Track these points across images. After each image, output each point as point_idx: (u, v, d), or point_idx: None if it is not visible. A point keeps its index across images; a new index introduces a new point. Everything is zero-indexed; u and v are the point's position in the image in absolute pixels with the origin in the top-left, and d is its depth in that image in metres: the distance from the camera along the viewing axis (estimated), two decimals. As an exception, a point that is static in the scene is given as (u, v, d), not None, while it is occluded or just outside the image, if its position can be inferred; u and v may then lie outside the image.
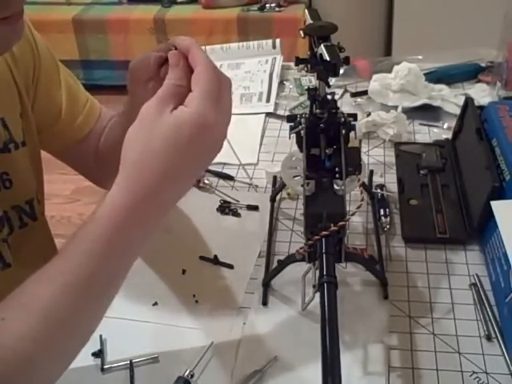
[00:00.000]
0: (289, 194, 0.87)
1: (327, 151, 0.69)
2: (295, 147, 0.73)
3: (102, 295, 0.51)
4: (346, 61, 0.64)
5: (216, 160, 0.97)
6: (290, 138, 0.71)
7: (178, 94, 0.51)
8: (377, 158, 0.95)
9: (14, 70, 0.68)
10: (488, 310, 0.67)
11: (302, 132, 0.69)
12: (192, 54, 0.54)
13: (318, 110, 0.69)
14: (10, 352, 0.46)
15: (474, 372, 0.61)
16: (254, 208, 0.86)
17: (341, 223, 0.61)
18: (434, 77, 1.13)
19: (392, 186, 0.87)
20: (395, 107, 1.04)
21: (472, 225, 0.77)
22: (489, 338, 0.64)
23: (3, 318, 0.47)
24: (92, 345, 0.66)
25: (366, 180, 0.85)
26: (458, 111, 0.94)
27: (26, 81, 0.71)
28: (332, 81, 1.11)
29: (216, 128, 0.51)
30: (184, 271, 0.76)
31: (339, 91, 1.14)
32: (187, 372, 0.62)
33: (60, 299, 0.48)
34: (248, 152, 0.98)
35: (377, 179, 0.90)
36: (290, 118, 0.71)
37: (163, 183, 0.50)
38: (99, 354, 0.65)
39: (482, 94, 1.08)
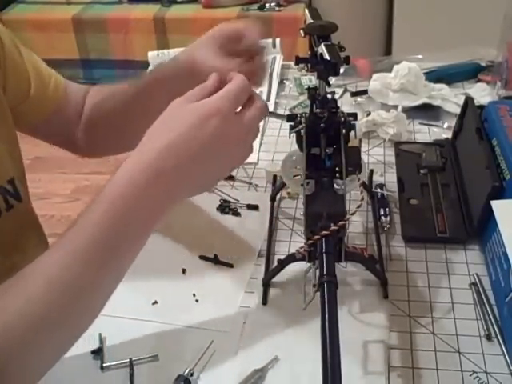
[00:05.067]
0: (289, 193, 0.87)
1: (327, 151, 0.69)
2: (295, 146, 0.73)
3: (103, 265, 0.51)
4: (347, 60, 0.64)
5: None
6: (290, 137, 0.71)
7: (204, 94, 0.55)
8: (377, 158, 0.95)
9: None
10: (488, 309, 0.67)
11: (302, 131, 0.69)
12: (234, 75, 0.58)
13: (318, 110, 0.69)
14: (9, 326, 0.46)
15: (474, 371, 0.61)
16: (254, 207, 0.86)
17: (341, 223, 0.61)
18: (434, 76, 1.13)
19: (392, 185, 0.88)
20: (395, 107, 1.04)
21: (472, 224, 0.77)
22: (489, 337, 0.64)
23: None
24: (91, 343, 0.66)
25: (365, 179, 0.85)
26: (458, 111, 0.94)
27: None
28: (332, 80, 1.11)
29: (233, 125, 0.54)
30: (184, 271, 0.76)
31: (339, 90, 1.14)
32: (187, 371, 0.62)
33: (67, 264, 0.49)
34: (248, 151, 0.98)
35: (377, 179, 0.90)
36: (290, 118, 0.71)
37: (181, 165, 0.52)
38: (99, 352, 0.65)
39: (482, 93, 1.08)
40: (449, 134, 0.96)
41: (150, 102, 0.77)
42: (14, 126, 0.77)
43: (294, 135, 0.71)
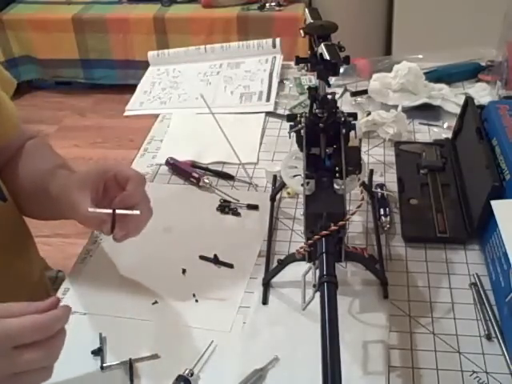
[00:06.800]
0: (289, 193, 0.87)
1: (327, 150, 0.69)
2: (295, 146, 0.73)
3: None
4: (346, 60, 0.64)
5: (216, 159, 0.99)
6: (290, 137, 0.71)
7: (7, 313, 0.51)
8: (377, 158, 0.95)
9: None
10: (488, 309, 0.67)
11: (302, 131, 0.69)
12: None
13: (317, 110, 0.69)
14: None
15: (474, 371, 0.61)
16: (254, 207, 0.86)
17: (341, 223, 0.61)
18: (434, 76, 1.12)
19: (392, 185, 0.87)
20: (395, 106, 1.03)
21: (472, 224, 0.77)
22: (489, 337, 0.64)
23: None
24: (92, 343, 0.66)
25: (366, 179, 0.85)
26: (458, 110, 0.94)
27: None
28: (332, 80, 1.11)
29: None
30: (184, 271, 0.76)
31: (339, 90, 1.13)
32: (187, 371, 0.62)
33: None
34: (248, 151, 0.98)
35: (377, 178, 0.89)
36: (290, 118, 0.71)
37: None
38: (99, 352, 0.65)
39: (482, 93, 1.08)
40: (449, 134, 0.96)
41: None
42: None
43: (294, 135, 0.71)
